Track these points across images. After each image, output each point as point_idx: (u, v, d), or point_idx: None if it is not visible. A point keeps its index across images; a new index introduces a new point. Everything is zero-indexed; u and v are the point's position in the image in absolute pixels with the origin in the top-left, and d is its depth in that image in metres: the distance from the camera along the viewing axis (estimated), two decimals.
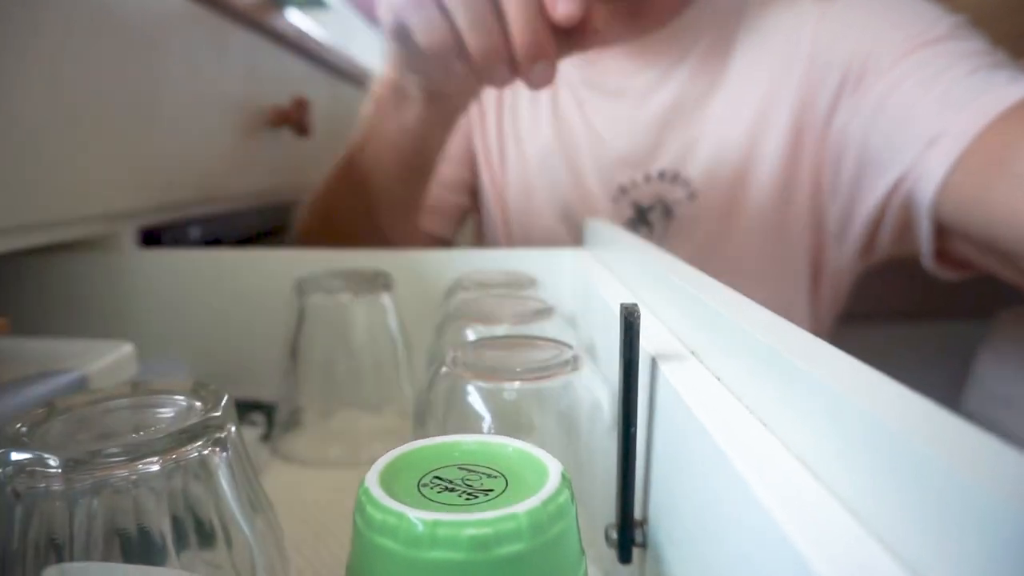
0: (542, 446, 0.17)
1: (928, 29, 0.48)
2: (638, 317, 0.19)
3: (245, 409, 0.43)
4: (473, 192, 0.69)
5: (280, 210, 0.80)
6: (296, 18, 0.79)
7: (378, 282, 0.40)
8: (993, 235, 0.41)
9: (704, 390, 0.18)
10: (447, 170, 0.65)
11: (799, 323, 0.17)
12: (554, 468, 0.16)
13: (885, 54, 0.49)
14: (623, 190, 0.60)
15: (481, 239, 0.70)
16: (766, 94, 0.56)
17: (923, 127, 0.45)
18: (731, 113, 0.57)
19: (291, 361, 0.41)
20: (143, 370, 0.32)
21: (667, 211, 0.59)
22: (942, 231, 0.46)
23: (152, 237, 0.54)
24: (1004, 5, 0.90)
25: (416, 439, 0.18)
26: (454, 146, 0.65)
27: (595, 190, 0.61)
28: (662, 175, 0.59)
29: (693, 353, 0.21)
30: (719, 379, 0.19)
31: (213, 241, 0.64)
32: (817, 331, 0.57)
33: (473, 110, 0.66)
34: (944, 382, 0.93)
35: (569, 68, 0.62)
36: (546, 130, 0.63)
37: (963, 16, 0.49)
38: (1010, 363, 0.82)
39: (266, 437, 0.41)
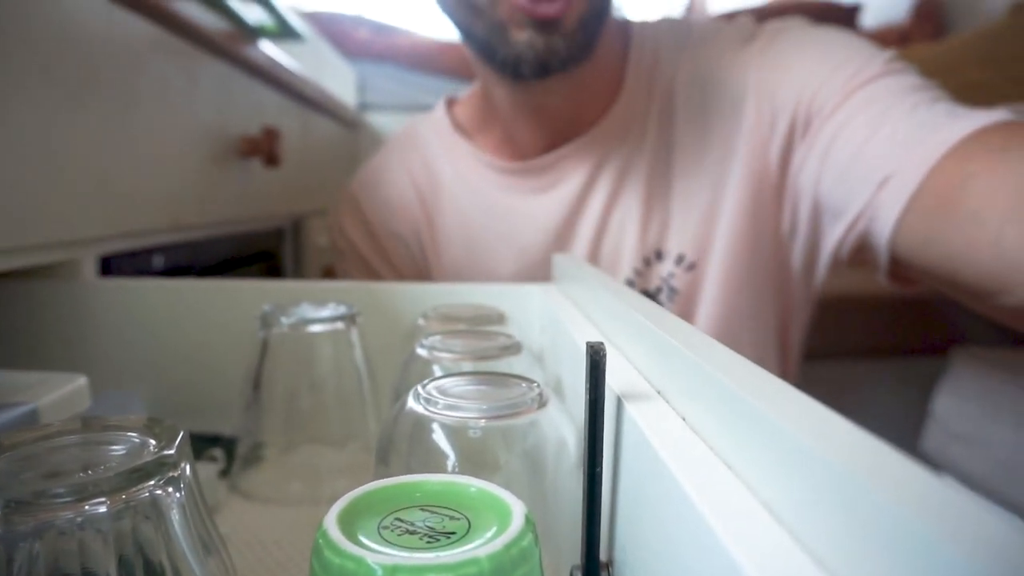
0: (507, 485, 0.17)
1: (865, 67, 0.49)
2: (604, 356, 0.19)
3: (204, 444, 0.42)
4: None
5: (248, 238, 0.79)
6: (269, 49, 0.79)
7: (344, 315, 0.40)
8: (950, 270, 0.42)
9: (669, 431, 0.18)
10: None
11: (770, 368, 0.17)
12: (518, 510, 0.16)
13: (828, 97, 0.50)
14: (631, 283, 0.59)
15: None
16: (718, 149, 0.56)
17: (873, 168, 0.46)
18: (691, 179, 0.57)
19: (253, 394, 0.40)
20: (97, 404, 0.31)
21: (672, 290, 0.58)
22: (899, 261, 0.47)
23: (111, 266, 0.53)
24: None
25: (379, 477, 0.17)
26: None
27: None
28: (659, 255, 0.58)
29: (659, 393, 0.21)
30: (684, 420, 0.19)
31: (178, 270, 0.63)
32: (786, 373, 0.57)
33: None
34: (904, 417, 0.94)
35: (499, 184, 0.61)
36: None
37: (891, 51, 0.51)
38: (967, 402, 0.84)
39: (225, 473, 0.40)
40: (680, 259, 0.58)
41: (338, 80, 1.27)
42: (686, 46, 0.59)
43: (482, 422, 0.22)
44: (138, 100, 0.52)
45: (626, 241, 0.58)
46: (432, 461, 0.22)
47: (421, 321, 0.40)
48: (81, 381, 0.30)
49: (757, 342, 0.57)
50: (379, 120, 1.47)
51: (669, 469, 0.16)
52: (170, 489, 0.18)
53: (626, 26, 0.61)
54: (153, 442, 0.19)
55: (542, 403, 0.24)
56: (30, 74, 0.40)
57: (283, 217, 0.93)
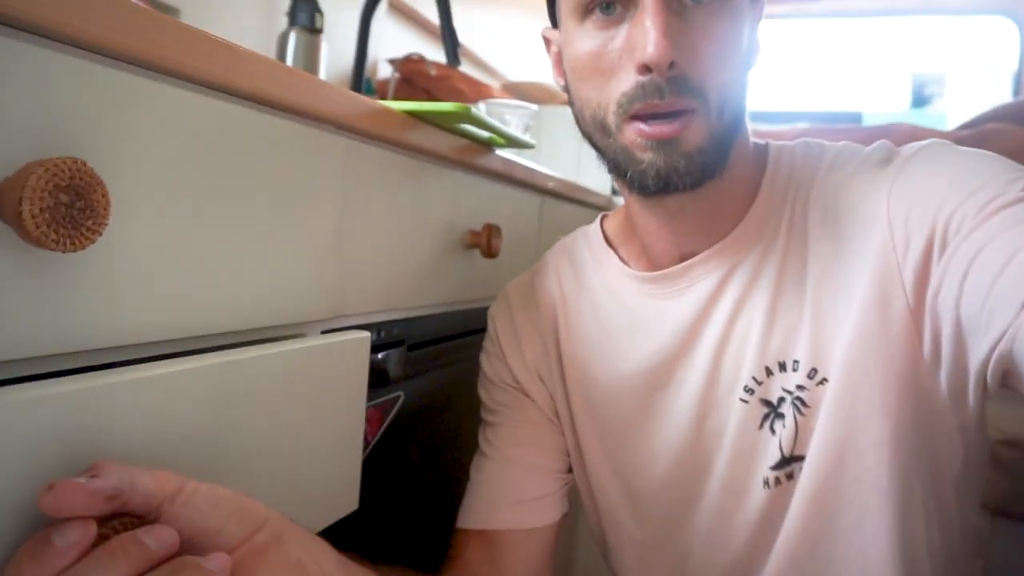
0: None
1: (1002, 193, 0.48)
2: None
3: None
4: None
5: (464, 316, 0.90)
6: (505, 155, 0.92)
7: None
8: None
9: None
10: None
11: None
12: None
13: (964, 221, 0.49)
14: (750, 390, 0.60)
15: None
16: (851, 268, 0.56)
17: (1014, 289, 0.44)
18: (824, 295, 0.57)
19: None
20: None
21: (801, 403, 0.58)
22: None
23: None
24: None
25: None
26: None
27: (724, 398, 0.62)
28: (783, 366, 0.59)
29: None
30: None
31: (392, 343, 0.76)
32: (941, 505, 0.57)
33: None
34: None
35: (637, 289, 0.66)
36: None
37: None
38: None
39: None
40: (812, 373, 0.57)
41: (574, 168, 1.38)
42: (821, 166, 0.61)
43: None
44: (368, 207, 0.66)
45: (747, 349, 0.60)
46: None
47: None
48: None
49: (894, 462, 0.55)
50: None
51: None
52: None
53: (764, 149, 0.64)
54: None
55: None
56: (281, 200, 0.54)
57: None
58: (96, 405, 0.38)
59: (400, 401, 0.78)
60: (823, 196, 0.59)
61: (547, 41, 0.67)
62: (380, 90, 1.78)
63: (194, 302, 0.47)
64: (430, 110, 0.67)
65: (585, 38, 0.57)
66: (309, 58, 1.21)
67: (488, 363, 0.76)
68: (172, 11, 1.16)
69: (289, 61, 1.18)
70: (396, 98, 1.79)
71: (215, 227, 0.48)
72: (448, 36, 1.34)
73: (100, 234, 0.35)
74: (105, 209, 0.35)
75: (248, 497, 0.42)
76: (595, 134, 0.60)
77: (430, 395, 0.85)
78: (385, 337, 0.75)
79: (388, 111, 0.63)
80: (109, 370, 0.40)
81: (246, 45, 0.47)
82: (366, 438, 0.74)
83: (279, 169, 0.53)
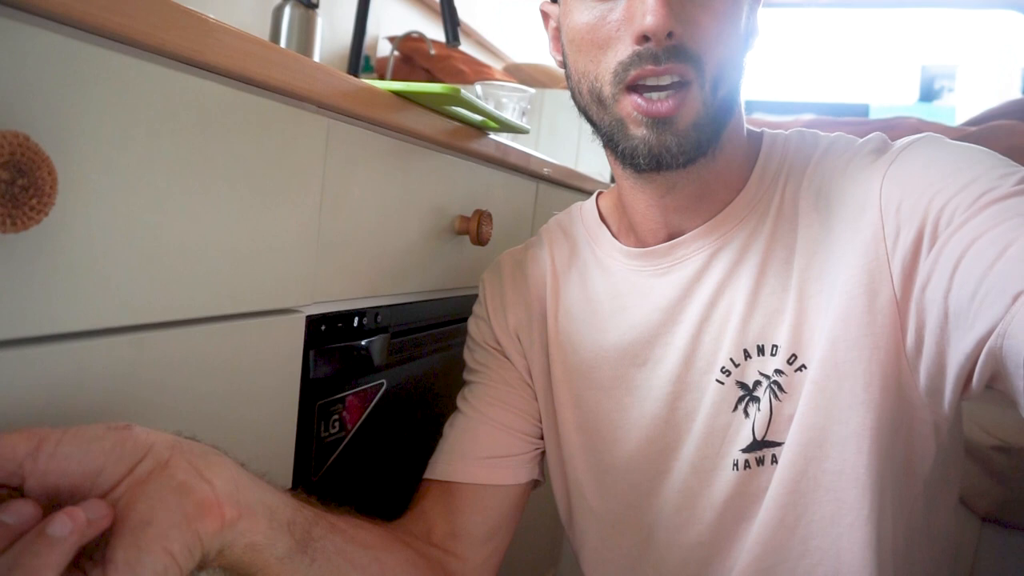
0: None
1: (995, 187, 0.48)
2: None
3: None
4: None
5: (451, 303, 0.88)
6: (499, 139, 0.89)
7: None
8: None
9: None
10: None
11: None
12: None
13: (956, 213, 0.49)
14: (726, 371, 0.60)
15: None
16: (839, 256, 0.56)
17: (1007, 281, 0.44)
18: (811, 282, 0.57)
19: None
20: None
21: (779, 388, 0.58)
22: None
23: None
24: None
25: None
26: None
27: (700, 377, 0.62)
28: (761, 350, 0.58)
29: None
30: None
31: (378, 329, 0.74)
32: (911, 496, 0.56)
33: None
34: None
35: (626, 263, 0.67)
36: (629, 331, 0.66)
37: None
38: None
39: None
40: (792, 359, 0.57)
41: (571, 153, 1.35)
42: (814, 154, 0.61)
43: None
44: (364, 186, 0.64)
45: (727, 331, 0.60)
46: None
47: None
48: None
49: (872, 455, 0.55)
50: None
51: None
52: None
53: (759, 136, 0.64)
54: None
55: None
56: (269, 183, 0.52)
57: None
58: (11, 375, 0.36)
59: (383, 389, 0.77)
60: (815, 183, 0.59)
61: (545, 16, 0.66)
62: (379, 68, 1.75)
63: (159, 287, 0.45)
64: (418, 91, 0.64)
65: (584, 10, 0.56)
66: (304, 33, 1.17)
67: (475, 325, 0.76)
68: None
69: (283, 36, 1.15)
70: (395, 77, 1.76)
71: (184, 208, 0.46)
72: (448, 15, 1.31)
73: (46, 214, 0.33)
74: (51, 187, 0.33)
75: (128, 427, 0.39)
76: (591, 107, 0.59)
77: (415, 383, 0.84)
78: (368, 323, 0.73)
79: (373, 90, 0.61)
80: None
81: (239, 19, 0.45)
82: (346, 425, 0.72)
83: (255, 148, 0.51)
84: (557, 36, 0.64)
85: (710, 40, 0.54)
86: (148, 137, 0.42)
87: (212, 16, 0.44)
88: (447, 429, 0.72)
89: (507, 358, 0.73)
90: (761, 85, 3.68)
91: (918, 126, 1.42)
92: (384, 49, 1.78)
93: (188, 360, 0.48)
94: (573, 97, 0.62)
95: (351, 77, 0.59)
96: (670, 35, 0.51)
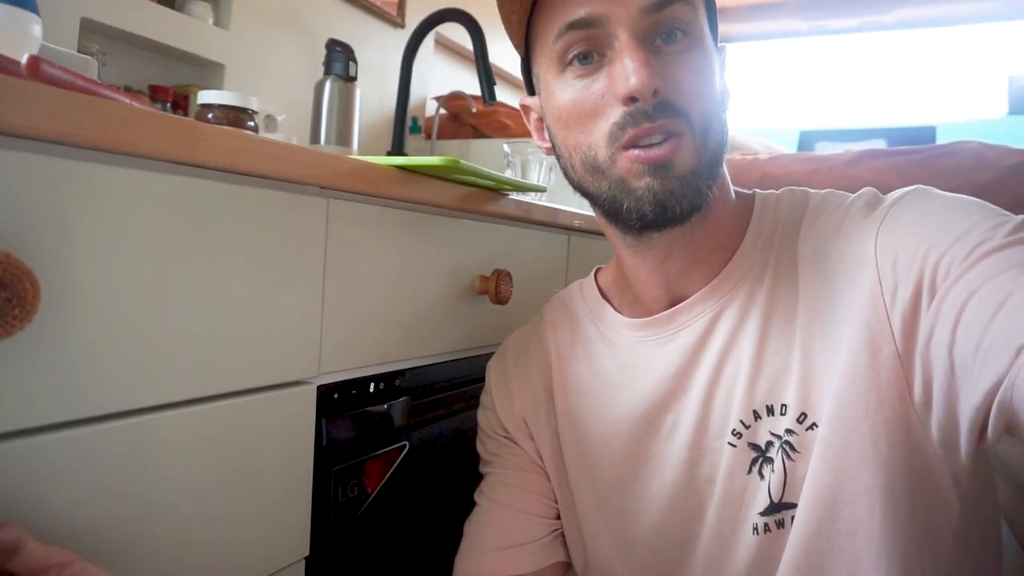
0: None
1: (989, 238, 0.48)
2: None
3: None
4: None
5: (469, 363, 0.90)
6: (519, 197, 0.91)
7: None
8: None
9: None
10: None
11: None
12: None
13: (952, 266, 0.49)
14: (737, 434, 0.59)
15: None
16: (839, 313, 0.55)
17: (1008, 335, 0.44)
18: (815, 340, 0.56)
19: None
20: None
21: (791, 448, 0.56)
22: None
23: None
24: None
25: None
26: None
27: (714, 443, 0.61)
28: (770, 410, 0.57)
29: None
30: None
31: (397, 391, 0.76)
32: (934, 553, 0.52)
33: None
34: None
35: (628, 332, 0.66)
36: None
37: (1021, 217, 0.50)
38: None
39: None
40: (802, 417, 0.56)
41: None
42: (806, 213, 0.61)
43: None
44: (359, 262, 0.67)
45: (736, 393, 0.59)
46: None
47: None
48: None
49: (887, 512, 0.53)
50: None
51: None
52: None
53: (750, 197, 0.65)
54: None
55: None
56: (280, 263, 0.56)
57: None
58: (13, 466, 0.40)
59: (405, 451, 0.78)
60: (811, 241, 0.59)
61: (526, 110, 0.68)
62: (427, 128, 1.82)
63: (157, 371, 0.48)
64: (417, 164, 0.67)
65: (566, 88, 0.58)
66: (344, 103, 1.24)
67: (482, 415, 0.77)
68: (217, 67, 1.23)
69: (324, 108, 1.22)
70: (442, 135, 1.82)
71: (180, 296, 0.49)
72: (484, 76, 1.35)
73: (29, 321, 0.37)
74: (34, 297, 0.37)
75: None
76: (586, 179, 0.60)
77: (439, 442, 0.85)
78: (386, 388, 0.75)
79: (371, 168, 0.64)
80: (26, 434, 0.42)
81: (289, 94, 0.49)
82: (366, 489, 0.74)
83: (252, 232, 0.54)
84: (540, 126, 0.66)
85: (692, 95, 0.55)
86: (139, 236, 0.46)
87: (262, 97, 0.48)
88: (467, 526, 0.73)
89: (516, 443, 0.73)
90: (828, 113, 3.57)
91: (979, 150, 1.35)
92: (431, 109, 1.85)
93: (195, 437, 0.52)
94: (566, 175, 0.62)
95: (347, 157, 0.62)
96: (655, 93, 0.53)
